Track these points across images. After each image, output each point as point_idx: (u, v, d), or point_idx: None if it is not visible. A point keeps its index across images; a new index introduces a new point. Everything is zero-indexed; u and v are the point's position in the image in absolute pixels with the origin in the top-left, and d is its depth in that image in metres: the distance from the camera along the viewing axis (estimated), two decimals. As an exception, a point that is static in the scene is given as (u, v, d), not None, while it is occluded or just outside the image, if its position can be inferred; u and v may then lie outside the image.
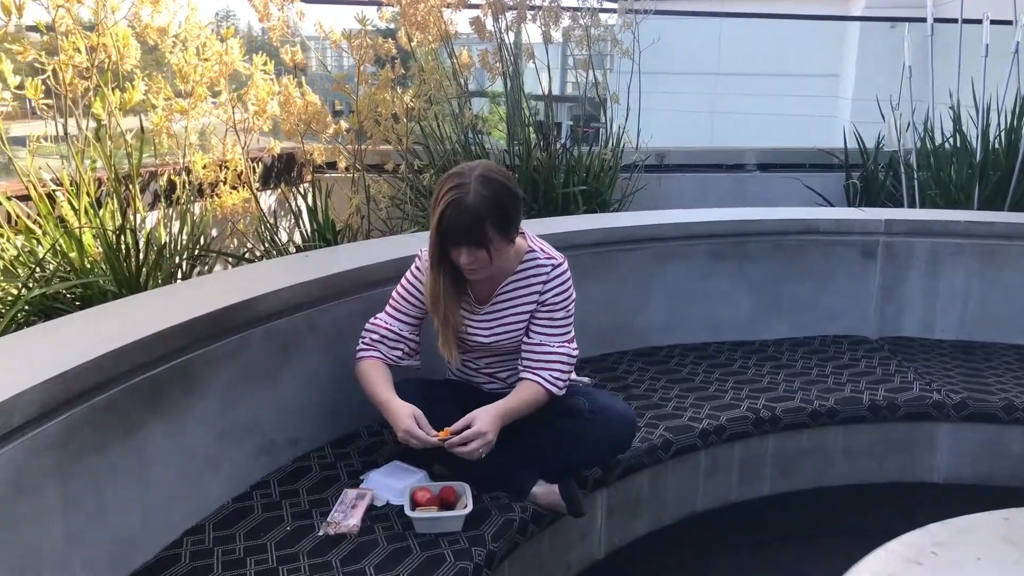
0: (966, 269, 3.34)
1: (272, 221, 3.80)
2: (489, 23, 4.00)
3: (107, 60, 3.02)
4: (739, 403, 2.78)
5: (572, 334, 2.25)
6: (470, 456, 2.04)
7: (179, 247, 3.14)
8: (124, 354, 1.76)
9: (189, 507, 2.02)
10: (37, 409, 1.56)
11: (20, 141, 2.99)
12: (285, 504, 2.12)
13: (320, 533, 1.99)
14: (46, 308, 2.64)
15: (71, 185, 2.90)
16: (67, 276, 2.77)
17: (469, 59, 4.19)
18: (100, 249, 2.80)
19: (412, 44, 3.97)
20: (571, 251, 2.49)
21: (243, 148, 3.59)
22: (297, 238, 3.89)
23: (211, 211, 3.46)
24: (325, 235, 3.60)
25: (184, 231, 3.21)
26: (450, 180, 2.03)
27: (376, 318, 2.27)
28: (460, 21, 4.05)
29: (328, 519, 2.03)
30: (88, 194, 2.86)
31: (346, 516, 2.04)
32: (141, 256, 2.85)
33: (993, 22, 4.66)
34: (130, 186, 3.00)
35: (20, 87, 2.73)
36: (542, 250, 2.24)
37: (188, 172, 3.37)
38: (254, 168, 3.68)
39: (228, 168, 3.57)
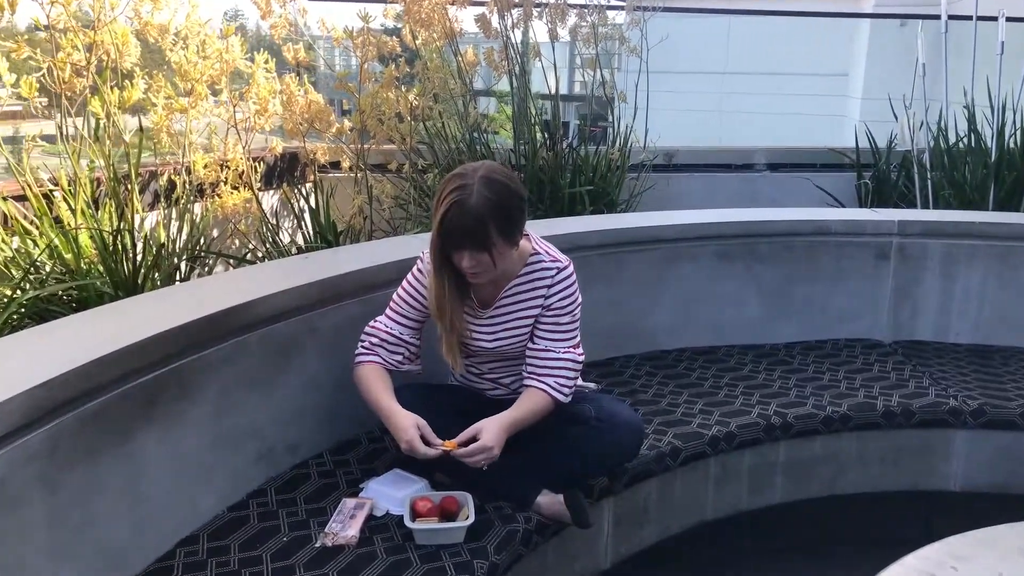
0: (982, 271, 3.26)
1: (274, 222, 3.75)
2: (495, 20, 3.94)
3: (106, 58, 2.97)
4: (749, 409, 2.71)
5: (578, 339, 2.19)
6: (473, 465, 1.98)
7: (178, 248, 3.08)
8: (114, 360, 1.71)
9: (182, 517, 1.96)
10: (21, 418, 1.51)
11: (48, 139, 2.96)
12: (282, 513, 2.06)
13: (318, 544, 1.93)
14: (41, 311, 2.59)
15: (68, 185, 2.84)
16: (63, 278, 2.71)
17: (475, 57, 4.12)
18: (96, 250, 2.74)
19: (417, 42, 3.91)
20: (577, 252, 2.43)
21: (244, 147, 3.53)
22: (300, 239, 3.84)
23: (211, 211, 3.41)
24: (327, 236, 3.54)
25: (183, 232, 3.16)
26: (452, 181, 1.97)
27: (376, 321, 2.21)
28: (466, 19, 4.00)
29: (326, 529, 1.98)
30: (85, 194, 2.80)
31: (344, 526, 1.98)
32: (139, 257, 2.79)
33: (1009, 19, 4.58)
34: (128, 186, 2.94)
35: (17, 85, 2.68)
36: (547, 252, 2.17)
37: (188, 172, 3.32)
38: (255, 168, 3.62)
39: (229, 168, 3.52)
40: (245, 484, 2.14)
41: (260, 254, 3.62)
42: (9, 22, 2.62)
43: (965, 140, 4.70)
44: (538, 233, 2.28)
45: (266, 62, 3.44)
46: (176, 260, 3.03)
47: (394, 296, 2.22)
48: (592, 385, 2.45)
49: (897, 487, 2.83)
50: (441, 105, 4.03)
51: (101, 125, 2.97)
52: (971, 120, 4.63)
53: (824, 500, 2.78)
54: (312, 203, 3.70)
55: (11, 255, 2.72)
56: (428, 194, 4.00)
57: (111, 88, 2.99)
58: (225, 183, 3.51)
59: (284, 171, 4.19)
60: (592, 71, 4.32)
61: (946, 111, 4.70)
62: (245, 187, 3.57)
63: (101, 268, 2.74)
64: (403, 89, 3.86)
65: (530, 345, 2.17)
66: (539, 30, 4.16)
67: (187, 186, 3.28)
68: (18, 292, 2.56)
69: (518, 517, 2.05)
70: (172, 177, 3.29)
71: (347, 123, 3.78)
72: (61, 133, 2.86)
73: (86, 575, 1.69)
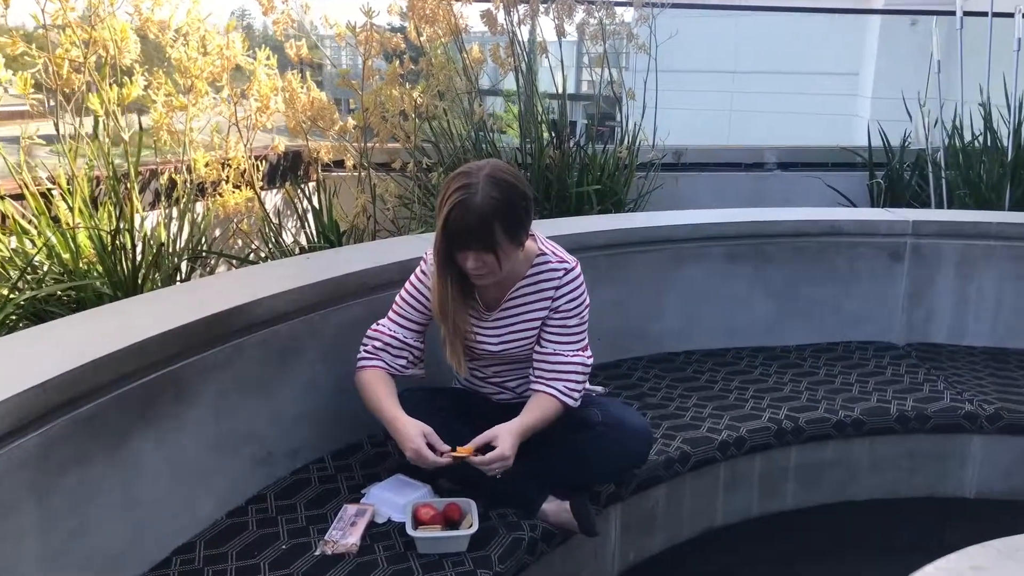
0: (998, 272, 3.19)
1: (277, 221, 3.70)
2: (501, 17, 3.88)
3: (104, 54, 2.92)
4: (760, 413, 2.65)
5: (586, 341, 2.13)
6: (488, 473, 1.94)
7: (178, 248, 3.04)
8: (109, 363, 1.66)
9: (179, 523, 1.92)
10: (12, 422, 1.46)
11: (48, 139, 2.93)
12: (281, 520, 2.01)
13: (317, 552, 1.88)
14: (38, 311, 2.55)
15: (67, 184, 2.80)
16: (61, 278, 2.67)
17: (480, 54, 4.07)
18: (95, 250, 2.70)
19: (421, 39, 3.86)
20: (584, 253, 2.37)
21: (246, 146, 3.48)
22: (303, 239, 3.79)
23: (213, 211, 3.36)
24: (329, 236, 3.49)
25: (184, 231, 3.11)
26: (457, 180, 1.91)
27: (379, 324, 2.16)
28: (471, 15, 3.94)
29: (326, 537, 1.93)
30: (83, 193, 2.76)
31: (345, 534, 1.93)
32: (138, 257, 2.75)
33: (1025, 15, 4.50)
34: (128, 185, 2.90)
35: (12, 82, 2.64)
36: (553, 253, 2.12)
37: (189, 170, 3.27)
38: (258, 166, 3.58)
39: (231, 166, 3.47)
40: (244, 489, 2.10)
41: (263, 254, 3.57)
42: (2, 16, 2.58)
43: (981, 139, 4.62)
44: (544, 233, 2.22)
45: (268, 58, 3.39)
46: (177, 260, 2.98)
47: (397, 298, 2.16)
48: (599, 388, 2.40)
49: (911, 493, 2.77)
50: (446, 102, 3.98)
51: (100, 123, 2.93)
52: (987, 118, 4.55)
53: (836, 506, 2.73)
54: (315, 202, 3.65)
55: (8, 255, 2.67)
56: (433, 193, 3.95)
57: (110, 85, 2.95)
58: (226, 182, 3.46)
59: (287, 170, 4.15)
60: (600, 69, 4.26)
61: (961, 109, 4.62)
62: (247, 186, 3.52)
63: (100, 268, 2.70)
64: (407, 86, 3.81)
65: (537, 348, 2.11)
66: (546, 26, 4.10)
67: (188, 185, 3.23)
68: (15, 292, 2.52)
69: (523, 525, 2.00)
70: (173, 176, 3.24)
71: (351, 121, 3.73)
72: (58, 131, 2.82)
73: (79, 584, 1.65)
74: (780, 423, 2.60)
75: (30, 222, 2.82)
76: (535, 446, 2.04)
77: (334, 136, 3.75)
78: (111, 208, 2.83)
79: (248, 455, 2.09)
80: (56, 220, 2.79)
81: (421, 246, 2.42)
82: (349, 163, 3.86)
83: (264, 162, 3.72)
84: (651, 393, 2.78)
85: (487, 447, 1.95)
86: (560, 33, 3.99)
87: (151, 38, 3.16)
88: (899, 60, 8.40)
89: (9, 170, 2.74)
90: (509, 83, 4.30)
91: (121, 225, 2.73)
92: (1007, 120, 4.48)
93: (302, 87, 3.51)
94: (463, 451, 1.94)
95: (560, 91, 4.34)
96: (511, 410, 2.13)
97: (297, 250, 3.64)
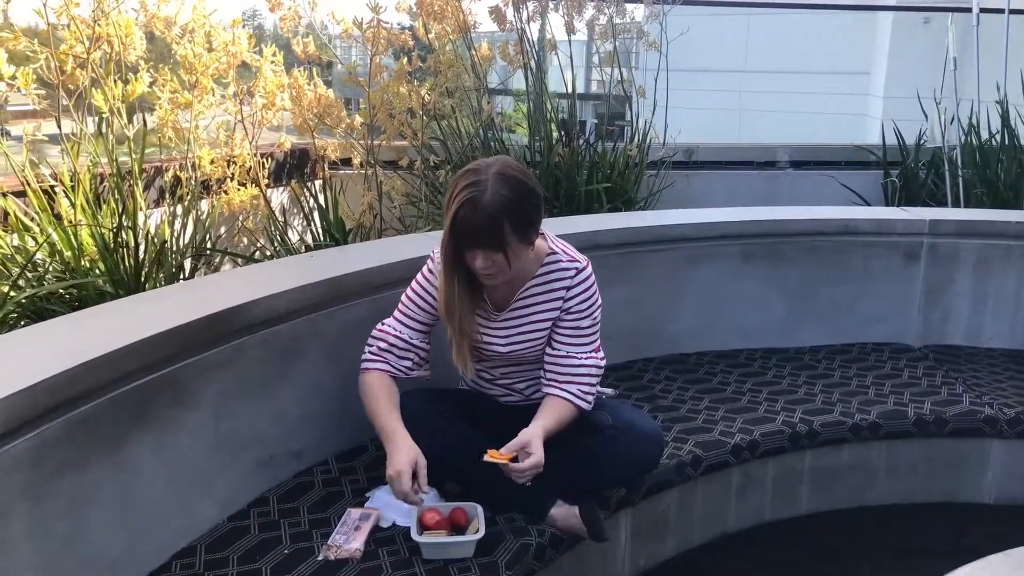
0: (1018, 273, 3.13)
1: (283, 219, 3.66)
2: (510, 13, 3.83)
3: (109, 50, 2.88)
4: (773, 416, 2.60)
5: (599, 342, 2.08)
6: (519, 480, 1.90)
7: (182, 246, 3.00)
8: (104, 363, 1.62)
9: (179, 527, 1.87)
10: (4, 424, 1.42)
11: (54, 139, 2.91)
12: (284, 524, 1.97)
13: (320, 558, 1.84)
14: (39, 309, 2.51)
15: (70, 181, 2.77)
16: (63, 276, 2.63)
17: (489, 51, 4.02)
18: (97, 248, 2.66)
19: (429, 36, 3.81)
20: (594, 251, 2.32)
21: (251, 143, 3.44)
22: (309, 237, 3.75)
23: (218, 208, 3.32)
24: (335, 234, 3.44)
25: (188, 229, 3.07)
26: (465, 177, 1.86)
27: (384, 324, 2.10)
28: (480, 11, 3.89)
29: (329, 542, 1.88)
30: (85, 190, 2.72)
31: (348, 539, 1.89)
32: (141, 255, 2.71)
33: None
34: (131, 182, 2.86)
35: (15, 79, 2.60)
36: (564, 252, 2.07)
37: (194, 168, 3.23)
38: (264, 164, 3.54)
39: (236, 164, 3.43)
40: (246, 492, 2.05)
41: (268, 253, 3.53)
42: (4, 8, 2.54)
43: (998, 137, 4.54)
44: (554, 231, 2.17)
45: (274, 55, 3.35)
46: (180, 258, 2.94)
47: (403, 298, 2.11)
48: (609, 391, 2.34)
49: (928, 499, 2.71)
50: (454, 99, 3.93)
51: (104, 120, 2.89)
52: (1004, 116, 4.47)
53: (851, 511, 2.68)
54: (321, 200, 3.61)
55: (9, 252, 2.64)
56: (440, 191, 3.91)
57: (115, 82, 2.91)
58: (232, 179, 3.42)
59: (294, 168, 4.11)
60: (610, 67, 4.20)
61: (978, 107, 4.54)
62: (252, 183, 3.48)
63: (102, 266, 2.66)
64: (415, 84, 3.76)
65: (549, 351, 2.06)
66: (555, 23, 4.05)
67: (193, 182, 3.19)
68: (15, 290, 2.48)
69: (531, 530, 1.95)
70: (178, 173, 3.21)
71: (358, 118, 3.68)
72: (60, 127, 2.78)
73: (74, 590, 1.61)
74: (794, 426, 2.54)
75: (32, 219, 2.78)
76: (545, 450, 1.99)
77: (341, 134, 3.71)
78: (114, 205, 2.79)
79: (250, 457, 2.05)
80: (58, 217, 2.75)
81: (428, 244, 2.37)
82: (356, 161, 3.81)
83: (270, 159, 3.68)
84: (662, 395, 2.72)
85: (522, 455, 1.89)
86: (570, 30, 3.94)
87: (157, 35, 3.12)
88: (912, 59, 8.32)
89: (11, 166, 2.71)
90: (517, 83, 4.25)
91: (124, 222, 2.69)
92: (1025, 118, 4.41)
93: (308, 84, 3.47)
94: (502, 457, 1.88)
95: (570, 89, 4.28)
96: (518, 412, 2.08)
97: (303, 248, 3.60)
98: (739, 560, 2.52)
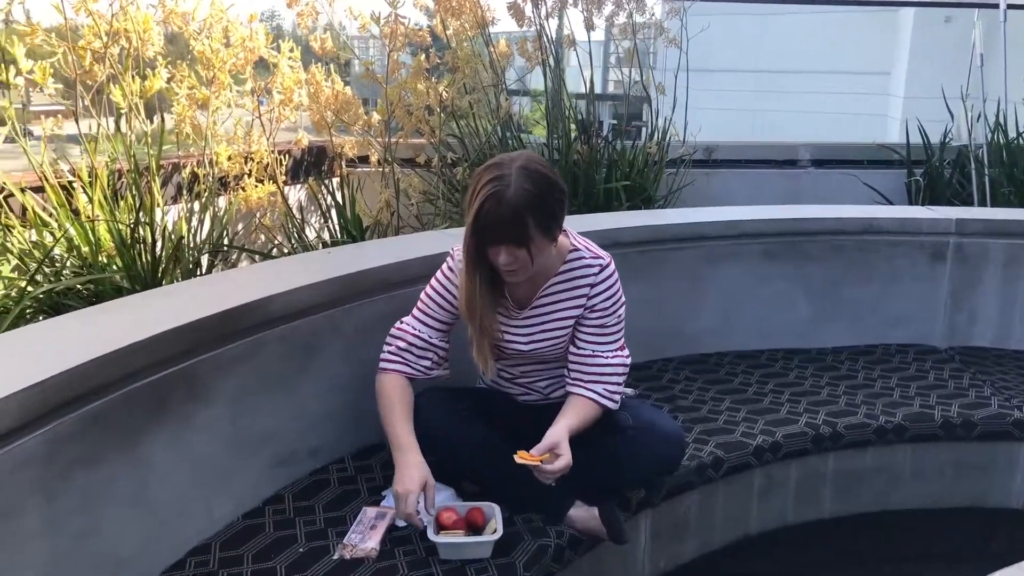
0: (1047, 274, 3.06)
1: (300, 216, 3.64)
2: (528, 9, 3.79)
3: (127, 46, 2.88)
4: (796, 417, 2.55)
5: (623, 340, 2.04)
6: (546, 481, 1.87)
7: (199, 242, 2.99)
8: (118, 358, 1.60)
9: (194, 525, 1.85)
10: (15, 420, 1.40)
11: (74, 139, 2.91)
12: (299, 522, 1.94)
13: (335, 556, 1.81)
14: (56, 304, 2.50)
15: (88, 176, 2.76)
16: (80, 271, 2.63)
17: (507, 48, 3.99)
18: (114, 243, 2.65)
19: (447, 32, 3.79)
20: (613, 249, 2.26)
21: (268, 139, 3.43)
22: (326, 235, 3.73)
23: (235, 205, 3.31)
24: (351, 231, 3.42)
25: (205, 225, 3.06)
26: (488, 172, 1.82)
27: (403, 323, 2.07)
28: (498, 7, 3.86)
29: (344, 541, 1.86)
30: (103, 186, 2.71)
31: (364, 538, 1.86)
32: (159, 251, 2.70)
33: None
34: (149, 178, 2.85)
35: (32, 72, 2.59)
36: (587, 248, 2.03)
37: (212, 164, 3.22)
38: (281, 161, 3.52)
39: (253, 161, 3.42)
40: (261, 490, 2.03)
41: (286, 250, 3.52)
42: (21, 3, 2.54)
43: (1025, 135, 4.47)
44: (573, 229, 2.13)
45: (291, 50, 3.33)
46: (197, 254, 2.93)
47: (422, 296, 2.08)
48: (630, 391, 2.30)
49: (954, 503, 2.65)
50: (472, 96, 3.90)
51: (122, 116, 2.88)
52: (1032, 114, 4.40)
53: (875, 515, 2.63)
54: (339, 198, 3.59)
55: (27, 248, 2.63)
56: (458, 189, 3.88)
57: (132, 78, 2.90)
58: (249, 176, 3.40)
59: (311, 165, 4.09)
60: (628, 64, 4.16)
61: (1005, 105, 4.46)
62: (270, 180, 3.46)
63: (119, 262, 2.65)
64: (433, 81, 3.74)
65: (574, 349, 2.02)
66: (574, 20, 4.02)
67: (211, 179, 3.18)
68: (33, 285, 2.47)
69: (549, 531, 1.92)
70: (195, 170, 3.20)
71: (375, 116, 3.66)
72: (77, 121, 2.78)
73: (87, 587, 1.59)
74: (817, 428, 2.49)
75: (50, 215, 2.78)
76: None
77: (358, 131, 3.69)
78: (132, 201, 2.78)
79: (266, 454, 2.03)
80: (76, 213, 2.74)
81: (445, 242, 2.34)
82: (373, 159, 3.80)
83: (288, 157, 3.67)
84: (682, 395, 2.68)
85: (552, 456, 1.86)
86: (589, 26, 3.90)
87: (175, 30, 3.11)
88: (933, 58, 8.22)
89: (30, 161, 2.70)
90: (535, 83, 4.22)
91: (141, 218, 2.68)
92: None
93: (326, 80, 3.45)
94: (534, 459, 1.83)
95: (588, 87, 4.24)
96: (536, 411, 2.05)
97: (320, 246, 3.59)
98: (761, 563, 2.48)
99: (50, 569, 1.51)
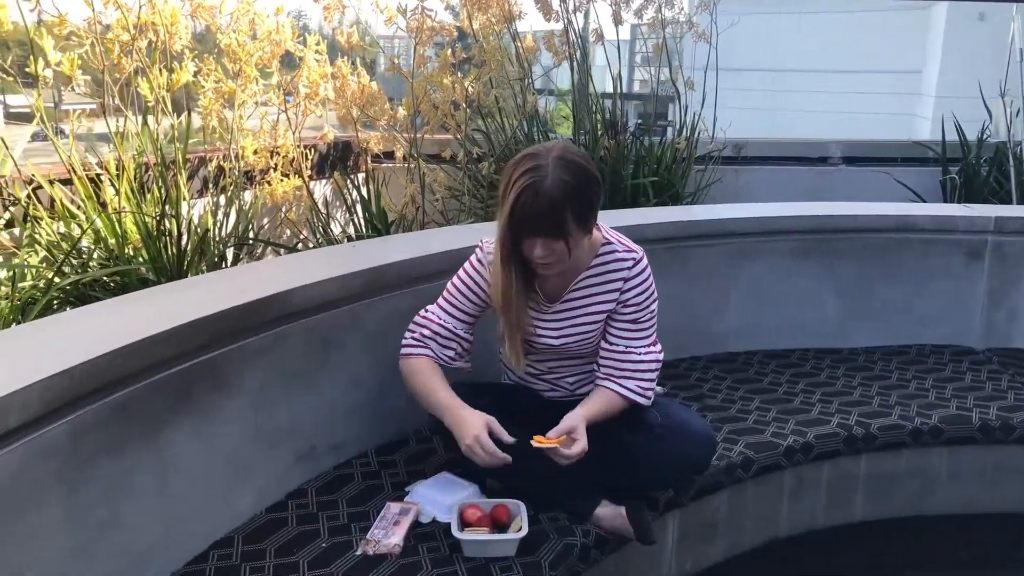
0: (1088, 273, 2.97)
1: (325, 211, 3.64)
2: (555, 2, 3.76)
3: (155, 39, 2.88)
4: (828, 418, 2.49)
5: (655, 335, 2.00)
6: (562, 463, 1.83)
7: (224, 235, 2.98)
8: (143, 349, 1.59)
9: (217, 517, 1.84)
10: (38, 409, 1.39)
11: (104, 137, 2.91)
12: (322, 517, 1.92)
13: (358, 552, 1.79)
14: (83, 295, 2.51)
15: (116, 169, 2.77)
16: (106, 263, 2.63)
17: (534, 43, 3.95)
18: (140, 236, 2.66)
19: (474, 26, 3.76)
20: (642, 245, 2.23)
21: (295, 133, 3.42)
22: (351, 229, 3.72)
23: (261, 199, 3.30)
24: (376, 225, 3.41)
25: (231, 219, 3.06)
26: (524, 163, 1.78)
27: (427, 311, 2.04)
28: (525, 1, 3.83)
29: (368, 536, 1.83)
30: (130, 178, 2.71)
31: (387, 534, 1.83)
32: (184, 243, 2.70)
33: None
34: (175, 171, 2.85)
35: (60, 64, 2.60)
36: (620, 242, 1.99)
37: (237, 158, 3.22)
38: (307, 155, 3.51)
39: (279, 155, 3.41)
40: (285, 483, 2.02)
41: (311, 244, 3.51)
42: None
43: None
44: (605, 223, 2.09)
45: (317, 44, 3.32)
46: (222, 247, 2.93)
47: (448, 287, 2.05)
48: (659, 388, 2.25)
49: (991, 508, 2.58)
50: (498, 90, 3.87)
51: (149, 109, 2.89)
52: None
53: (909, 520, 2.56)
54: (364, 193, 3.58)
55: (55, 239, 2.64)
56: (483, 184, 3.85)
57: (160, 71, 2.90)
58: (275, 170, 3.40)
59: (337, 160, 4.09)
60: (657, 56, 4.11)
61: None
62: (296, 175, 3.46)
63: (145, 254, 2.65)
64: (459, 75, 3.71)
65: (605, 345, 1.99)
66: (602, 14, 3.97)
67: (236, 172, 3.18)
68: (59, 276, 2.48)
69: (575, 530, 1.88)
70: (221, 163, 3.20)
71: (401, 110, 3.64)
72: (105, 113, 2.78)
73: (110, 579, 1.58)
74: (850, 429, 2.43)
75: (78, 207, 2.79)
76: (589, 447, 1.91)
77: (384, 126, 3.67)
78: (158, 194, 2.78)
79: (289, 448, 2.01)
80: (103, 205, 2.75)
81: (470, 237, 2.31)
82: (399, 154, 3.78)
83: (313, 151, 3.66)
84: (711, 395, 2.63)
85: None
86: (617, 20, 3.85)
87: (202, 24, 3.11)
88: (967, 56, 8.07)
89: (59, 154, 2.71)
90: (561, 80, 4.19)
91: (167, 211, 2.68)
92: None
93: (352, 73, 3.43)
94: (551, 441, 1.80)
95: (615, 83, 4.20)
96: (560, 407, 2.01)
97: (345, 240, 3.58)
98: (789, 566, 2.43)
99: (72, 561, 1.50)
